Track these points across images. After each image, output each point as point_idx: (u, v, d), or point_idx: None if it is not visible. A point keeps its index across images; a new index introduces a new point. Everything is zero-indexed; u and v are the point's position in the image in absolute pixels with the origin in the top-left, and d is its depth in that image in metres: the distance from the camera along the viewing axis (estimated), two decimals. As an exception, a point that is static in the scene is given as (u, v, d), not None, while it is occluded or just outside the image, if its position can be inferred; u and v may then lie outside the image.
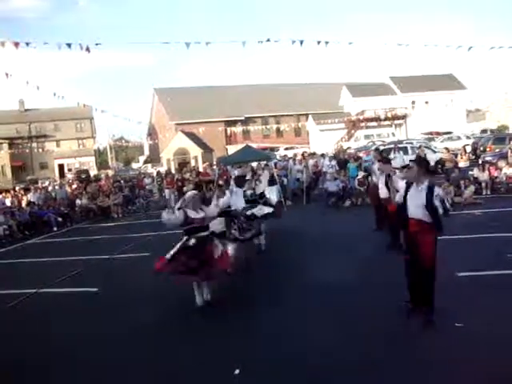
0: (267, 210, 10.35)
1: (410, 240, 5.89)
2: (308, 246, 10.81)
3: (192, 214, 7.04)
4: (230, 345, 5.84)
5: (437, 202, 5.66)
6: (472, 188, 15.47)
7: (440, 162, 21.11)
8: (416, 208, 5.79)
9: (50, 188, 25.37)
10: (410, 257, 5.92)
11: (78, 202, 21.07)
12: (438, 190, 5.82)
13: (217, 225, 8.59)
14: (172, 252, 6.97)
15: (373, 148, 26.57)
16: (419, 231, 5.77)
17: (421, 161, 6.19)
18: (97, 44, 12.43)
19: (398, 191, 6.61)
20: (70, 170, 60.49)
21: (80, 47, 12.16)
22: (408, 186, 6.00)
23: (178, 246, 7.04)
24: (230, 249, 8.61)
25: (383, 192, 9.63)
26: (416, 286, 5.95)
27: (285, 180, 20.18)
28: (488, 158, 20.56)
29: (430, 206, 5.69)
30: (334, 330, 5.94)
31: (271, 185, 15.62)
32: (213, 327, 6.46)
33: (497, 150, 23.44)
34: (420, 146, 21.85)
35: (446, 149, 21.61)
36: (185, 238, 7.11)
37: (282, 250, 10.85)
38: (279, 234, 12.24)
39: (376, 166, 10.80)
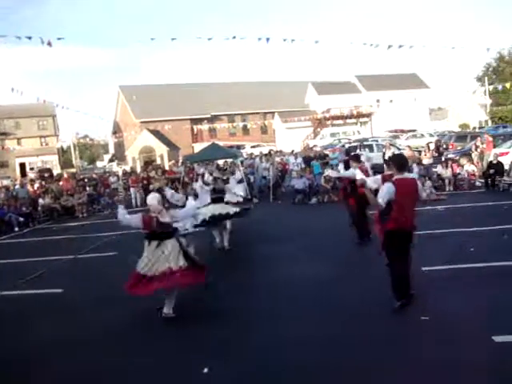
0: (233, 209, 10.51)
1: None
2: (275, 243, 10.82)
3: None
4: (197, 346, 5.79)
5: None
6: (428, 183, 15.67)
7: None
8: None
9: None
10: None
11: (40, 201, 20.56)
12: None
13: None
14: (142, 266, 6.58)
15: (339, 146, 26.90)
16: None
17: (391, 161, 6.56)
18: (59, 38, 12.17)
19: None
20: (32, 168, 58.91)
21: (41, 41, 11.87)
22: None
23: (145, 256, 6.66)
24: None
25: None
26: None
27: (251, 178, 20.19)
28: (451, 156, 21.03)
29: None
30: (306, 329, 5.95)
31: (238, 182, 15.60)
32: (182, 326, 6.39)
33: (459, 148, 24.02)
34: (386, 144, 22.15)
35: (409, 147, 22.01)
36: (146, 242, 6.72)
37: (249, 247, 10.84)
38: (246, 232, 12.23)
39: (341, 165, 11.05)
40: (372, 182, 6.80)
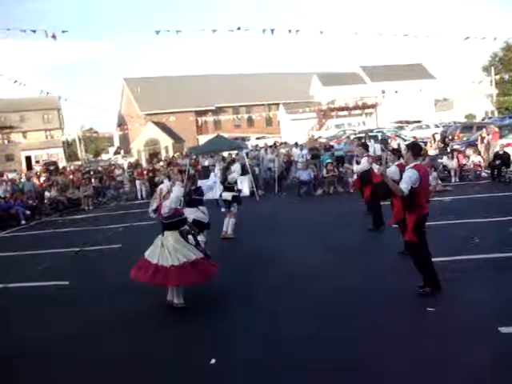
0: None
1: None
2: (281, 235, 10.84)
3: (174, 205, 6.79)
4: (205, 337, 5.81)
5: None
6: (434, 174, 15.61)
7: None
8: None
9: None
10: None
11: (46, 194, 20.66)
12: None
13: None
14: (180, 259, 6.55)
15: (344, 137, 26.80)
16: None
17: (413, 145, 6.57)
18: (63, 31, 12.14)
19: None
20: (37, 161, 59.02)
21: (45, 34, 11.85)
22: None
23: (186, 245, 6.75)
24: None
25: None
26: None
27: (256, 169, 20.18)
28: (456, 147, 20.93)
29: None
30: (310, 323, 5.94)
31: (243, 174, 15.59)
32: (186, 319, 6.41)
33: (464, 139, 23.89)
34: (393, 135, 22.10)
35: (414, 138, 21.94)
36: (175, 233, 6.76)
37: (254, 238, 10.84)
38: (252, 223, 12.24)
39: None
40: (393, 172, 6.84)
